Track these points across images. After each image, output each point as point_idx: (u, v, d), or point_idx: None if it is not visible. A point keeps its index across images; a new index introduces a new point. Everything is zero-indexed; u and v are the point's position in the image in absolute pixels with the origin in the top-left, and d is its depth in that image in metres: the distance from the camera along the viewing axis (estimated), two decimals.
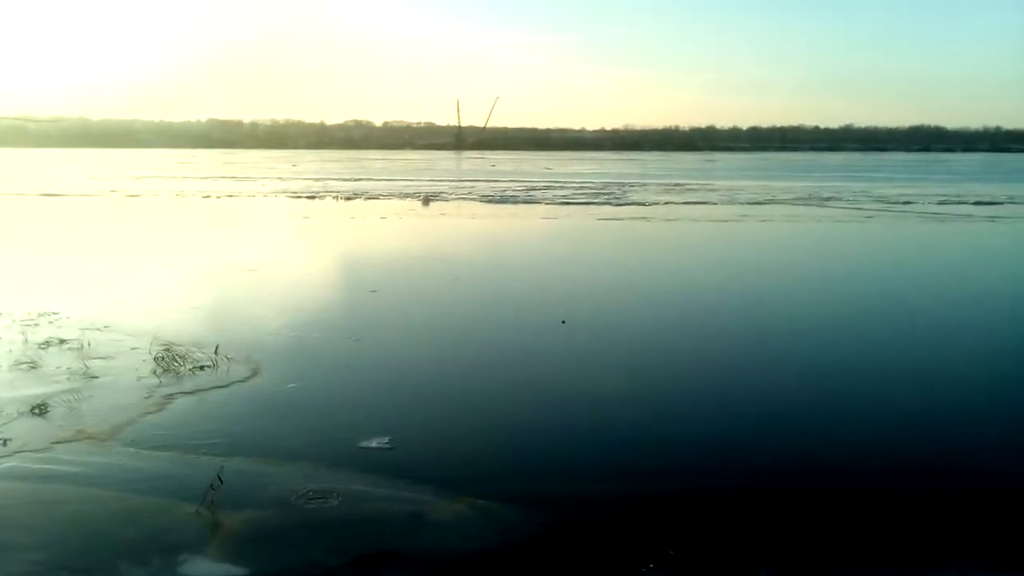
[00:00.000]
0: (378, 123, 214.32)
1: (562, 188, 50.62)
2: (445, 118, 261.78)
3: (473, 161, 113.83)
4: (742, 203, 40.09)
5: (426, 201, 40.49)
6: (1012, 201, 41.07)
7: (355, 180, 60.16)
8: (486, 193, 45.81)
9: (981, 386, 10.37)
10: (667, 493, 7.13)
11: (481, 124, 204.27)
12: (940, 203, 39.72)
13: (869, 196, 44.31)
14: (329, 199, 42.58)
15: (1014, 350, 12.37)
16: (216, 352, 10.83)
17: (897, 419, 9.05)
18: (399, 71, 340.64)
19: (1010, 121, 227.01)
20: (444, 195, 44.66)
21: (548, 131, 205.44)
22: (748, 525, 6.52)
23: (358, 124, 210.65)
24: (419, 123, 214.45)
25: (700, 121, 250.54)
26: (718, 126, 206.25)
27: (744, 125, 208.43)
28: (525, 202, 40.61)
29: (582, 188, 50.62)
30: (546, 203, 39.88)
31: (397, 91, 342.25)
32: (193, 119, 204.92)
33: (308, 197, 43.87)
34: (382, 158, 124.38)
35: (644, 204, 39.14)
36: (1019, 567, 5.91)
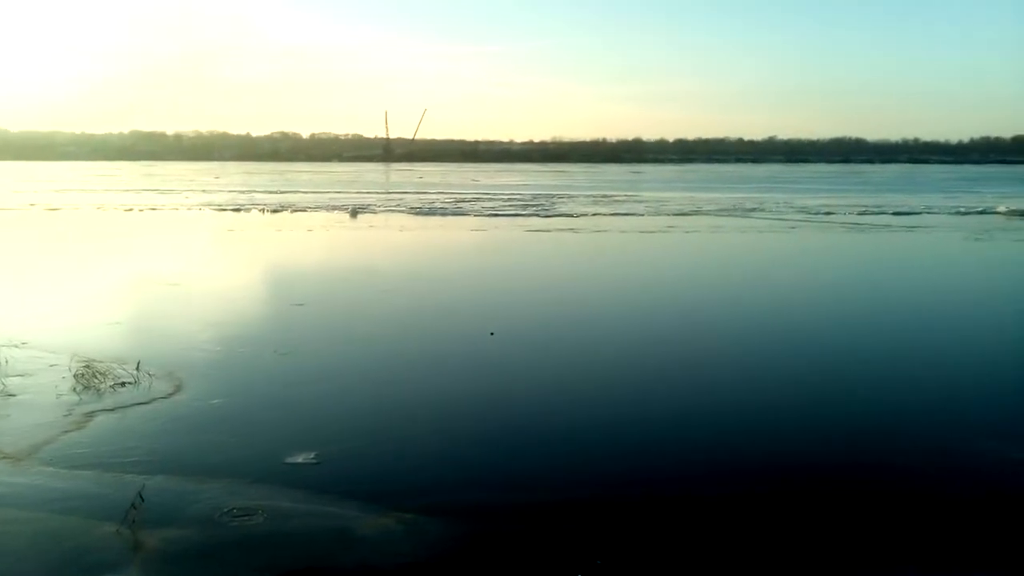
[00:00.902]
0: (305, 135, 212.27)
1: (491, 200, 50.69)
2: (373, 130, 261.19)
3: (402, 173, 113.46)
4: (669, 214, 40.58)
5: (354, 213, 40.25)
6: (929, 211, 42.14)
7: (281, 192, 59.54)
8: (415, 205, 45.71)
9: (898, 389, 10.61)
10: (595, 502, 7.17)
11: (410, 136, 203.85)
12: (860, 213, 40.60)
13: (792, 207, 45.15)
14: (255, 212, 42.10)
15: (932, 353, 12.68)
16: (138, 368, 10.63)
17: (818, 426, 9.23)
18: (326, 83, 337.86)
19: (927, 133, 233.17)
20: (372, 207, 44.45)
21: (477, 143, 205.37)
22: (676, 534, 6.59)
23: (285, 136, 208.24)
24: (347, 135, 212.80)
25: (627, 133, 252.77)
26: (645, 138, 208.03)
27: (671, 137, 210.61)
28: (454, 214, 40.62)
29: (511, 200, 50.74)
30: (475, 215, 39.93)
31: (324, 103, 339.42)
32: (116, 131, 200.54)
33: (233, 210, 43.30)
34: (309, 170, 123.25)
35: (572, 216, 39.39)
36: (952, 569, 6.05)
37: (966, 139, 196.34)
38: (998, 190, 64.63)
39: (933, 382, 11.10)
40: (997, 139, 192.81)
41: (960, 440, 8.65)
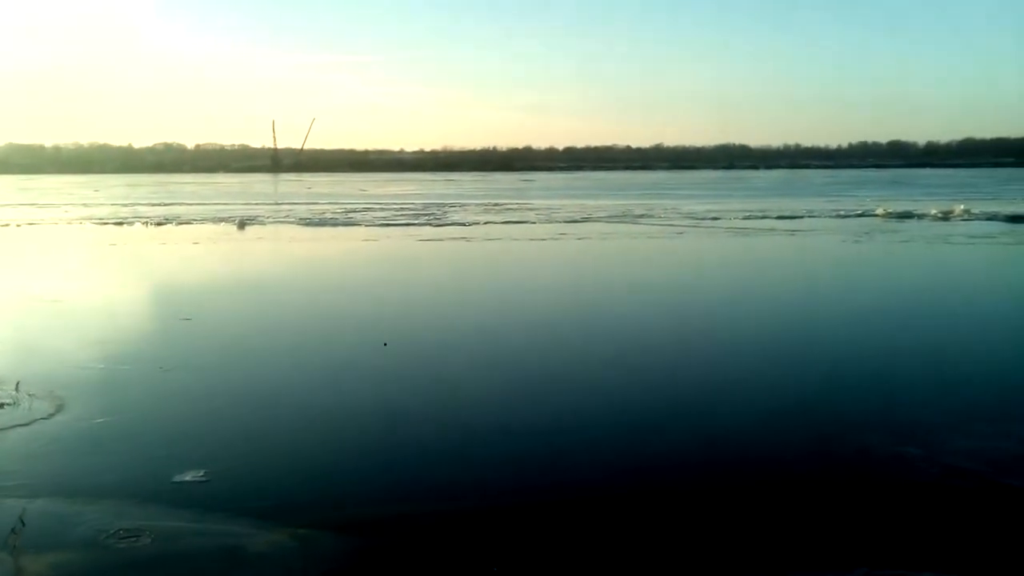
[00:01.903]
0: (190, 146, 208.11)
1: (382, 210, 50.44)
2: (261, 140, 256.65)
3: (290, 184, 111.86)
4: (559, 221, 40.99)
5: (241, 225, 39.59)
6: (811, 215, 43.44)
7: (166, 204, 58.12)
8: (304, 216, 45.13)
9: (780, 387, 10.93)
10: (490, 510, 7.19)
11: (298, 146, 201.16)
12: (745, 218, 41.65)
13: (679, 212, 46.05)
14: (138, 225, 40.97)
15: (817, 350, 13.10)
16: (17, 389, 10.28)
17: (712, 429, 9.45)
18: (211, 92, 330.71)
19: (807, 139, 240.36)
20: (261, 219, 43.73)
21: (367, 153, 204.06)
22: (569, 540, 6.66)
23: (168, 147, 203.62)
24: (234, 145, 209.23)
25: (517, 142, 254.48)
26: (535, 147, 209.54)
27: (560, 146, 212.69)
28: (345, 224, 40.28)
29: (402, 210, 50.56)
30: (366, 225, 39.68)
31: (209, 113, 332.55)
32: None
33: (115, 223, 42.08)
34: (194, 182, 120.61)
35: (465, 224, 39.48)
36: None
37: (844, 144, 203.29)
38: (875, 193, 67.05)
39: (815, 378, 11.47)
40: (874, 144, 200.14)
41: (841, 435, 8.95)
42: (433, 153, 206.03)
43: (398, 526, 6.92)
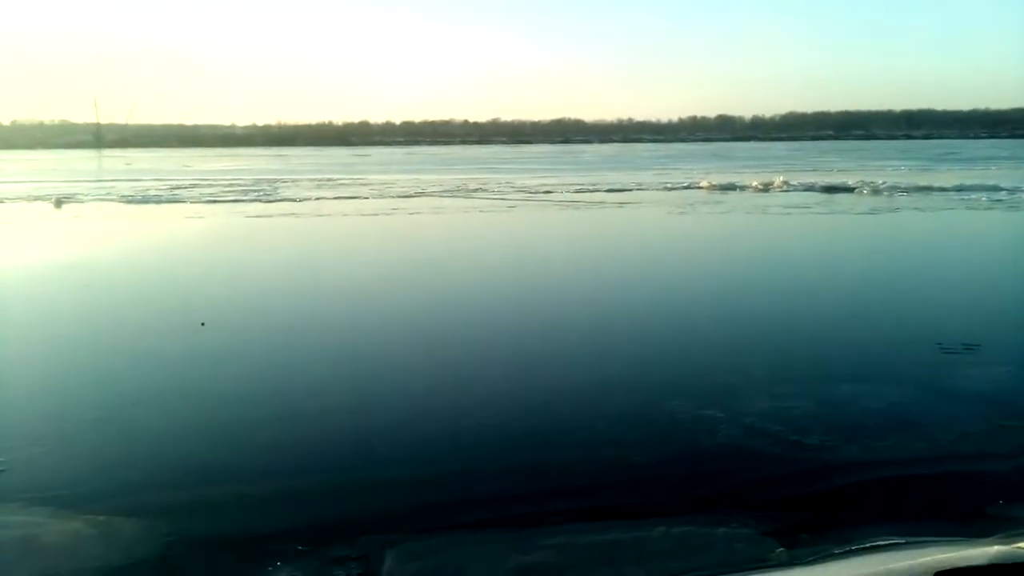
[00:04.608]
0: (6, 122, 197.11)
1: (210, 186, 49.00)
2: (83, 116, 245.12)
3: (114, 160, 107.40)
4: (393, 196, 40.77)
5: (58, 204, 37.78)
6: (640, 188, 44.56)
7: None
8: (126, 194, 43.39)
9: (595, 357, 11.18)
10: (298, 491, 7.11)
11: (123, 122, 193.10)
12: (577, 191, 42.39)
13: (513, 187, 46.48)
14: None
15: (634, 321, 13.43)
16: None
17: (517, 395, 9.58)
18: (28, 67, 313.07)
19: (640, 113, 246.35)
20: (79, 197, 41.80)
21: (197, 127, 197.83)
22: (378, 518, 6.65)
23: None
24: (53, 121, 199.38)
25: (353, 116, 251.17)
26: (372, 121, 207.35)
27: (397, 120, 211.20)
28: (170, 202, 38.96)
29: (231, 186, 49.26)
30: (192, 202, 38.48)
31: (27, 88, 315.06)
32: None
33: None
34: (10, 159, 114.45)
35: (296, 200, 38.78)
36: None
37: (675, 119, 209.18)
38: (702, 165, 69.39)
39: (627, 347, 11.78)
40: (702, 118, 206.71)
41: (649, 401, 9.22)
42: (266, 127, 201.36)
43: (207, 509, 6.75)
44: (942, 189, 40.14)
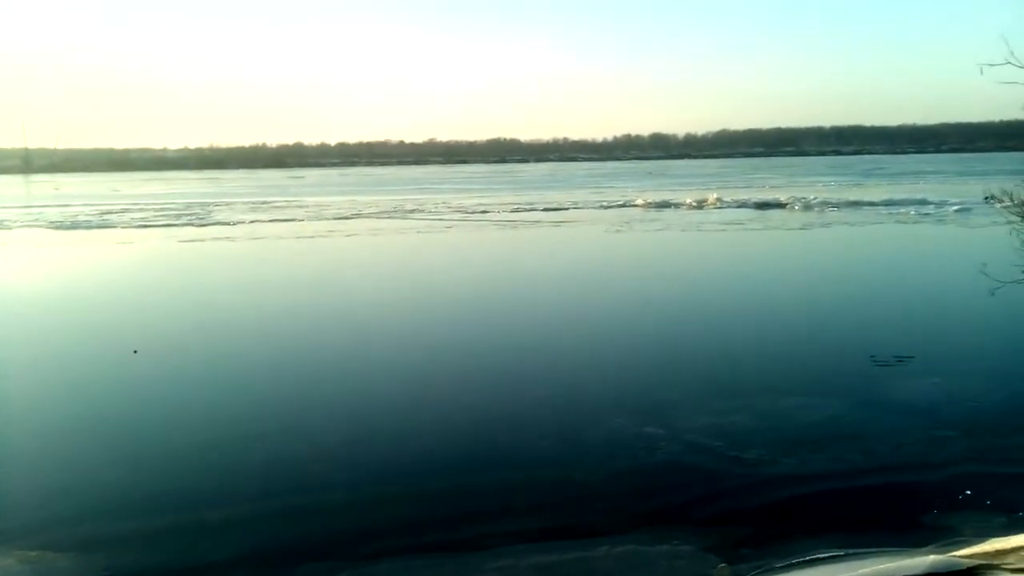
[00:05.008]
0: None
1: (141, 211, 48.19)
2: (11, 140, 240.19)
3: (43, 185, 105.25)
4: (330, 218, 40.48)
5: None
6: (576, 207, 44.76)
7: None
8: (55, 219, 42.48)
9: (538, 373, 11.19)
10: (235, 520, 7.02)
11: (52, 146, 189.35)
12: (513, 211, 42.49)
13: (450, 207, 46.46)
14: None
15: (575, 340, 13.46)
16: None
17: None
18: None
19: (574, 132, 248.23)
20: (6, 223, 40.81)
21: (128, 151, 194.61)
22: (318, 545, 6.56)
23: None
24: None
25: (288, 138, 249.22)
26: (306, 143, 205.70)
27: (332, 141, 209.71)
28: (100, 227, 38.21)
29: (163, 210, 48.53)
30: (123, 227, 37.79)
31: None
32: None
33: None
34: None
35: (230, 224, 38.32)
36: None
37: (610, 137, 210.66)
38: (637, 184, 69.97)
39: (568, 366, 11.80)
40: (637, 136, 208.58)
41: (590, 419, 9.24)
42: (198, 151, 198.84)
43: (135, 540, 6.61)
44: (872, 204, 40.94)
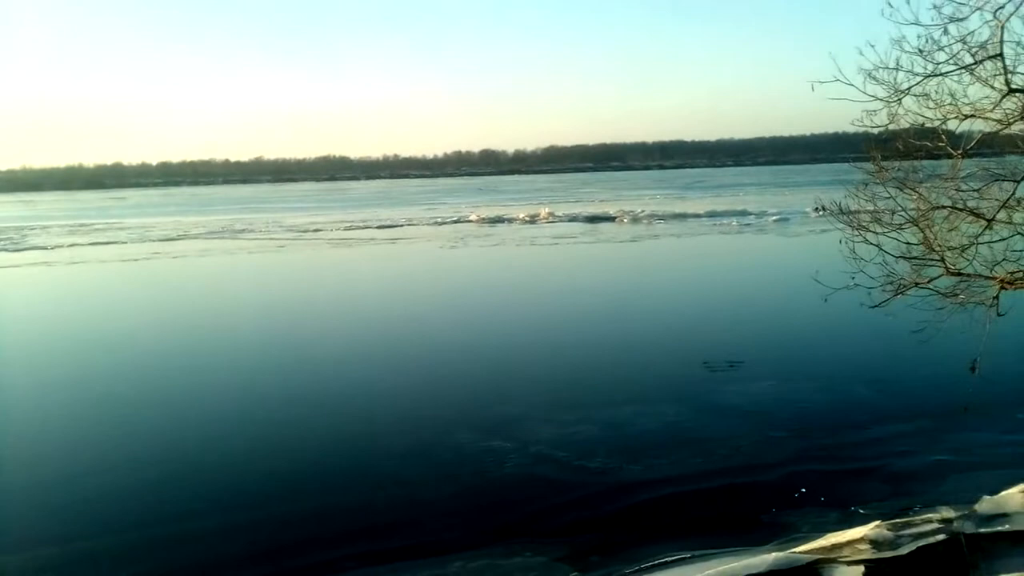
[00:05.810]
0: None
1: None
2: None
3: None
4: (154, 240, 39.04)
5: None
6: (410, 223, 44.65)
7: None
8: None
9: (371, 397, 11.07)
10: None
11: None
12: (347, 228, 42.02)
13: (281, 226, 45.54)
14: None
15: (416, 358, 13.38)
16: None
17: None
18: None
19: (405, 149, 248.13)
20: None
21: None
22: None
23: None
24: None
25: (106, 157, 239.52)
26: (126, 163, 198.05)
27: (153, 161, 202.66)
28: None
29: None
30: None
31: None
32: None
33: None
34: None
35: (47, 248, 36.47)
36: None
37: (440, 154, 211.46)
38: (469, 199, 70.39)
39: (408, 384, 11.73)
40: (467, 152, 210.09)
41: (434, 435, 9.20)
42: (9, 172, 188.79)
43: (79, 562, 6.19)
44: (696, 215, 42.42)
